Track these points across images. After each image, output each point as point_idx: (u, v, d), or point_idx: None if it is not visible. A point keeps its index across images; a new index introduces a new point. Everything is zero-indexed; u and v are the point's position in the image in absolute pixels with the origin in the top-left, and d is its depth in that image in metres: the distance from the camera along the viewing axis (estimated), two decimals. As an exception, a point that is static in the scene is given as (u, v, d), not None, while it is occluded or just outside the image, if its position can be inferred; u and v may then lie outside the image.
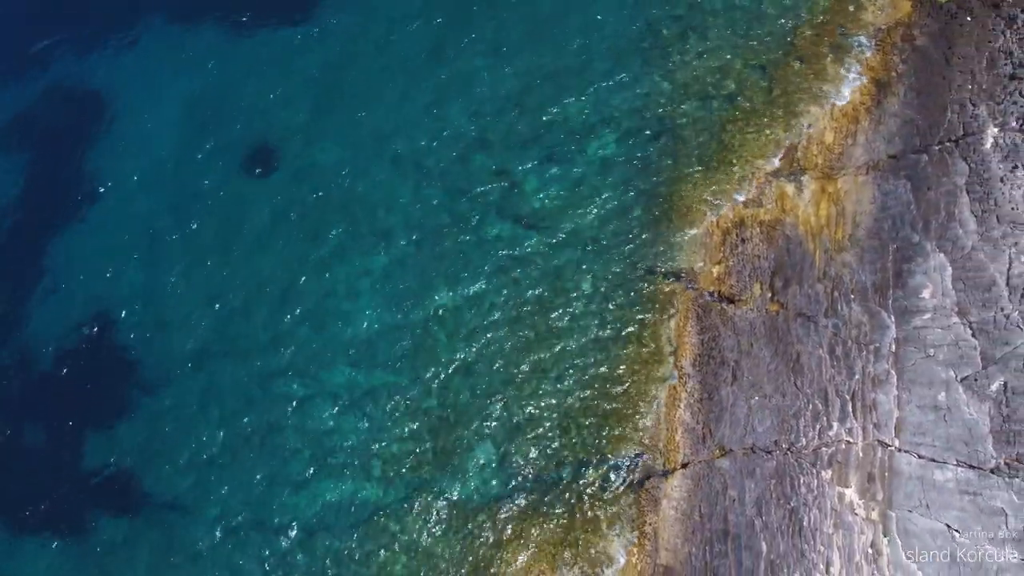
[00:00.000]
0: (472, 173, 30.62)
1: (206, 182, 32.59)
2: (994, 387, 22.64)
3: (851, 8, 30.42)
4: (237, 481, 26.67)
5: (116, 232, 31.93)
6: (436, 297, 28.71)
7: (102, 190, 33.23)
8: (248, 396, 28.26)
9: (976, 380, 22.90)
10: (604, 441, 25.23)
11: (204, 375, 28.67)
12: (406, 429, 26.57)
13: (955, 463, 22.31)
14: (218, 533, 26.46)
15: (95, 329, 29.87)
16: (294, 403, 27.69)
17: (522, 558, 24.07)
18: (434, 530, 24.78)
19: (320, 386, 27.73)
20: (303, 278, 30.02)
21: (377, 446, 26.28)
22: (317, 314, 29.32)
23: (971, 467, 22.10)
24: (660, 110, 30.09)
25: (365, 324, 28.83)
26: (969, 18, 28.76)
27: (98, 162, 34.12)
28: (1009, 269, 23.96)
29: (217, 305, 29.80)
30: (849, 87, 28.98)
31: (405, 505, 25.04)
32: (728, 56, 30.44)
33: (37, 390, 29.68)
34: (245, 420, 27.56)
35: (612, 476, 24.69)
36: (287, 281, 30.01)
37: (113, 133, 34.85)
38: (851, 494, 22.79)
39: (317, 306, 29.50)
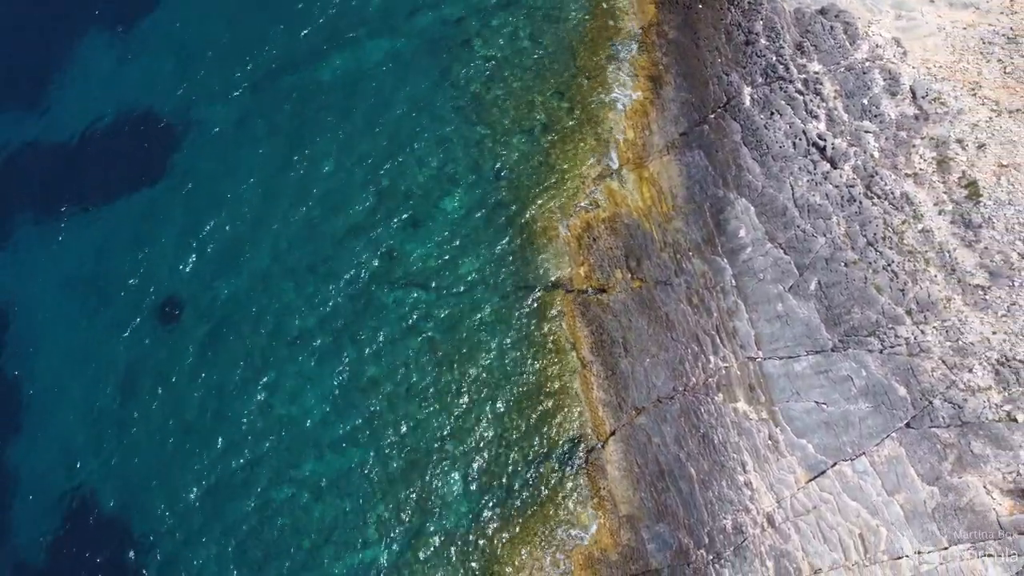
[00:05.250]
0: (356, 257, 34.74)
1: (124, 348, 35.12)
2: (812, 287, 29.00)
3: (611, 22, 36.52)
4: (258, 590, 30.17)
5: (62, 424, 34.12)
6: (366, 372, 32.76)
7: (30, 393, 35.24)
8: (236, 513, 31.37)
9: (798, 286, 29.19)
10: (546, 438, 30.17)
11: (189, 511, 31.53)
12: (382, 490, 30.58)
13: (805, 353, 28.49)
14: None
15: (79, 515, 32.19)
16: (279, 506, 31.14)
17: (518, 558, 28.72)
18: (437, 564, 29.06)
19: (297, 484, 31.25)
20: (244, 398, 33.31)
21: (365, 514, 30.26)
22: (269, 423, 32.67)
23: (817, 352, 28.34)
24: (492, 154, 35.23)
25: (313, 419, 32.51)
26: (700, 5, 35.33)
27: (14, 368, 36.13)
28: (793, 194, 30.43)
29: (180, 447, 32.71)
30: (631, 88, 35.00)
31: (408, 554, 29.14)
32: (530, 92, 35.94)
33: (45, 587, 31.99)
34: (243, 537, 30.80)
35: (562, 464, 29.68)
36: (231, 404, 33.17)
37: (17, 336, 36.85)
38: (742, 406, 28.62)
39: (265, 417, 32.84)
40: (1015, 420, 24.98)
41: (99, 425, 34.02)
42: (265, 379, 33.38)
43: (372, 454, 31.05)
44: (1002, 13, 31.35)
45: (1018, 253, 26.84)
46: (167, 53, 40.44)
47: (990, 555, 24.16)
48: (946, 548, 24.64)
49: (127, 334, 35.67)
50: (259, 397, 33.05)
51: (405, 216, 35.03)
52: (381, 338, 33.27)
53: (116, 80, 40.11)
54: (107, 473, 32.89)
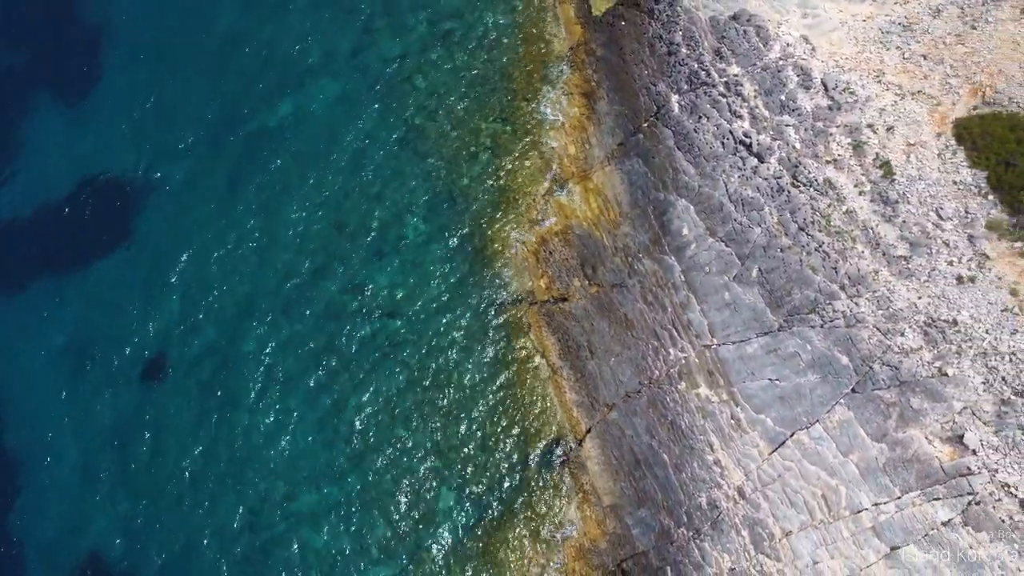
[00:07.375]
0: (326, 295, 36.41)
1: (116, 410, 36.36)
2: (754, 274, 31.41)
3: (542, 46, 38.69)
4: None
5: (62, 488, 35.29)
6: (350, 405, 34.40)
7: (28, 460, 36.28)
8: (241, 551, 32.89)
9: (742, 275, 31.58)
10: (527, 444, 32.18)
11: (202, 555, 33.07)
12: (380, 512, 32.30)
13: (755, 336, 30.87)
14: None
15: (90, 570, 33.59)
16: (283, 541, 32.64)
17: (514, 558, 30.64)
18: (439, 573, 30.87)
19: (297, 517, 32.82)
20: (233, 440, 34.76)
21: (366, 536, 31.93)
22: (262, 462, 34.19)
23: (765, 334, 30.74)
24: (444, 182, 37.16)
25: (305, 453, 34.08)
26: (623, 22, 37.67)
27: (10, 441, 37.12)
28: (727, 190, 32.85)
29: (180, 496, 34.08)
30: (568, 105, 37.19)
31: (410, 568, 30.98)
32: (474, 119, 37.94)
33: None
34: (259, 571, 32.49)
35: (544, 465, 31.70)
36: (223, 448, 34.62)
37: (7, 412, 37.85)
38: (703, 391, 30.91)
39: (258, 457, 34.34)
40: (945, 374, 27.60)
41: (99, 486, 35.19)
42: (253, 420, 34.84)
43: (365, 479, 32.73)
44: (896, 3, 34.18)
45: (932, 223, 29.55)
46: (119, 117, 41.69)
47: (938, 499, 26.70)
48: (899, 497, 27.15)
49: (116, 395, 36.88)
50: (249, 438, 34.51)
51: (368, 250, 36.77)
52: (360, 369, 34.94)
53: (73, 149, 41.27)
54: (116, 529, 34.09)
